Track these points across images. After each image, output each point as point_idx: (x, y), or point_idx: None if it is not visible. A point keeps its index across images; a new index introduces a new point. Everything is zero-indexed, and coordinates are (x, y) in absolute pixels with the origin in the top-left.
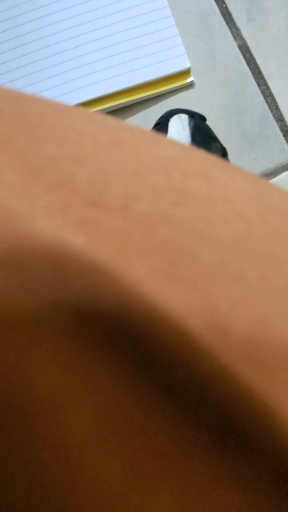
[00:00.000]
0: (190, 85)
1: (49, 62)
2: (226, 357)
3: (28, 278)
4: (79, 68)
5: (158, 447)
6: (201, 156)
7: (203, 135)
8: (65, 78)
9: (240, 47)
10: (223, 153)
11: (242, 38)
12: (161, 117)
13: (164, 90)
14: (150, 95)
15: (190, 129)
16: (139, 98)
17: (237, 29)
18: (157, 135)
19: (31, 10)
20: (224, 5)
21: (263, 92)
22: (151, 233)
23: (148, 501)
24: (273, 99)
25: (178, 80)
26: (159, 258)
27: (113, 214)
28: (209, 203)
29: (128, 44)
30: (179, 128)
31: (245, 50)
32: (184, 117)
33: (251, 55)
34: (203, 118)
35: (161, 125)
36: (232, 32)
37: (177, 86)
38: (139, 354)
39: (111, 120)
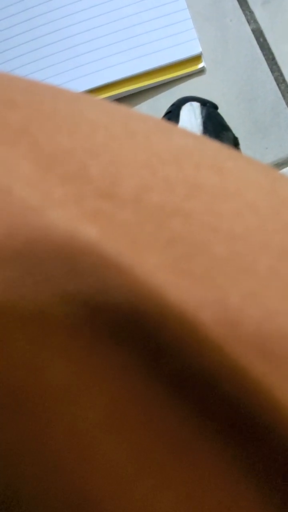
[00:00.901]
0: (201, 71)
1: (58, 47)
2: (236, 350)
3: (42, 272)
4: (88, 54)
5: (166, 436)
6: (214, 147)
7: (215, 124)
8: (73, 64)
9: (253, 31)
10: (234, 142)
11: (256, 21)
12: (173, 105)
13: (174, 76)
14: (160, 81)
15: (202, 117)
16: (148, 85)
17: (251, 12)
18: (170, 125)
19: None
20: None
21: (276, 79)
22: (163, 226)
23: (155, 487)
24: (286, 86)
25: (189, 66)
26: (171, 251)
27: (126, 206)
28: (221, 196)
29: (138, 28)
30: (191, 116)
31: (258, 34)
32: (196, 105)
33: (265, 40)
34: (215, 107)
35: (173, 113)
36: (245, 15)
37: (187, 72)
38: (149, 346)
39: (124, 110)
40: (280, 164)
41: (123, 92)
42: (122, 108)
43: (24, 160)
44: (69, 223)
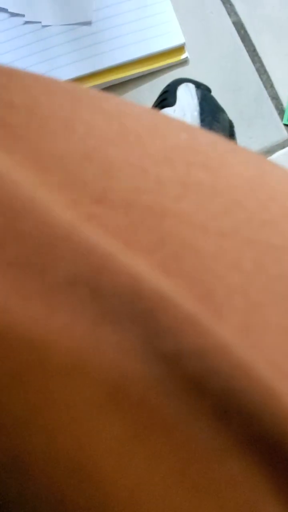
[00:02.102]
0: (184, 62)
1: (34, 37)
2: (224, 337)
3: (49, 258)
4: (68, 43)
5: (161, 416)
6: (206, 142)
7: (211, 105)
8: (55, 53)
9: (234, 23)
10: (230, 124)
11: (236, 14)
12: (168, 85)
13: (158, 67)
14: (143, 71)
15: (198, 98)
16: (132, 75)
17: (231, 5)
18: (165, 120)
19: None
20: None
21: (258, 70)
22: (154, 227)
23: (150, 465)
24: (268, 76)
25: (172, 57)
26: (161, 252)
27: (118, 209)
28: (211, 193)
29: (120, 18)
30: (187, 96)
31: (239, 26)
32: (192, 86)
33: (246, 32)
34: (208, 89)
35: (169, 93)
36: (226, 8)
37: (171, 63)
38: (148, 327)
39: (120, 106)
40: (265, 153)
41: (106, 82)
42: (118, 104)
43: (21, 167)
44: (70, 221)
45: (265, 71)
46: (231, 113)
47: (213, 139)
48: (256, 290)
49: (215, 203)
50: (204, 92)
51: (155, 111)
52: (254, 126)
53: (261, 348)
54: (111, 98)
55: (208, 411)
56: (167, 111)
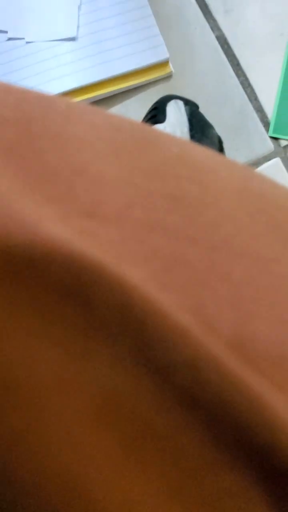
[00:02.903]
0: (170, 76)
1: (18, 53)
2: (215, 349)
3: (40, 270)
4: (53, 58)
5: (153, 430)
6: (196, 155)
7: (200, 122)
8: (41, 68)
9: (217, 38)
10: (219, 140)
11: (219, 29)
12: (157, 102)
13: (143, 81)
14: (129, 86)
15: (187, 115)
16: (118, 89)
17: (214, 20)
18: (155, 134)
19: None
20: None
21: (242, 83)
22: (145, 241)
23: (142, 479)
24: (252, 90)
25: (157, 71)
26: (152, 265)
27: (109, 224)
28: (201, 206)
29: (105, 34)
30: (177, 113)
31: (222, 41)
32: (181, 103)
33: (229, 46)
34: (196, 106)
35: (159, 110)
36: (209, 23)
37: (156, 77)
38: (137, 340)
39: (112, 120)
40: (251, 165)
41: (92, 97)
42: (109, 118)
43: (13, 181)
44: (61, 234)
45: (249, 84)
46: (217, 126)
47: (203, 152)
48: (246, 301)
49: (205, 216)
50: (192, 109)
51: (146, 125)
52: (239, 138)
53: (252, 359)
54: (101, 112)
55: (200, 423)
56: (158, 127)
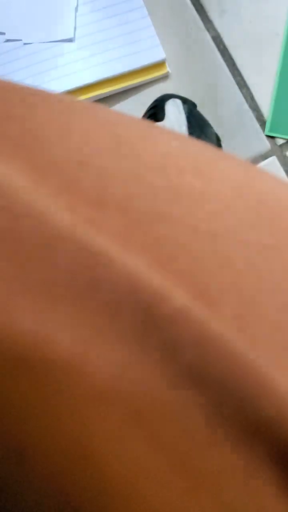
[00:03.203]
0: (166, 77)
1: (16, 54)
2: (220, 328)
3: (49, 256)
4: (51, 59)
5: (161, 405)
6: (196, 149)
7: (198, 120)
8: (38, 70)
9: (213, 38)
10: (217, 138)
11: (215, 29)
12: (156, 101)
13: (140, 82)
14: (126, 86)
15: (185, 113)
16: (115, 90)
17: (210, 21)
18: (155, 129)
19: None
20: None
21: (238, 83)
22: (149, 230)
23: (149, 452)
24: (248, 89)
25: (154, 71)
26: (156, 253)
27: (114, 214)
28: (202, 199)
29: (102, 35)
30: (175, 111)
31: (218, 41)
32: (179, 102)
33: (225, 47)
34: (194, 105)
35: (158, 108)
36: (205, 24)
37: (153, 77)
38: (145, 320)
39: (113, 116)
40: None
41: (89, 98)
42: (111, 114)
43: (21, 174)
44: (71, 224)
45: (245, 84)
46: (214, 125)
47: (203, 147)
48: (248, 287)
49: (206, 207)
50: (190, 107)
51: (146, 120)
52: (236, 137)
53: (256, 340)
54: (102, 108)
55: (207, 399)
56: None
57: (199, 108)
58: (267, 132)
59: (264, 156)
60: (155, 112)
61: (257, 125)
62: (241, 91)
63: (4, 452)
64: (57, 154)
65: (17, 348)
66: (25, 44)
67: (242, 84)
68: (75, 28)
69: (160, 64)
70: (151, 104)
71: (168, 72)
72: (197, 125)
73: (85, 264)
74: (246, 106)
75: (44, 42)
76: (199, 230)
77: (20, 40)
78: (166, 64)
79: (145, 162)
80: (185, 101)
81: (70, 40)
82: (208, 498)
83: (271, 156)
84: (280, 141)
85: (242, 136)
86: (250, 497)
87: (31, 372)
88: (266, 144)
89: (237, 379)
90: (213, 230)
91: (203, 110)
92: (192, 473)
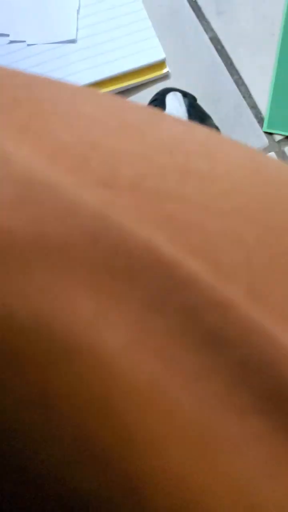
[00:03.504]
0: (166, 76)
1: (20, 55)
2: (235, 296)
3: (65, 227)
4: (54, 60)
5: (181, 369)
6: (202, 133)
7: (198, 112)
8: (38, 71)
9: (211, 39)
10: (216, 130)
11: (212, 30)
12: (157, 94)
13: (141, 81)
14: (127, 85)
15: (186, 106)
16: (116, 89)
17: (207, 22)
18: (161, 114)
19: None
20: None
21: (236, 82)
22: (160, 208)
23: (172, 405)
24: (246, 88)
25: (154, 71)
26: (168, 229)
27: (125, 193)
28: (210, 178)
29: (103, 36)
30: (176, 104)
31: (216, 42)
32: (179, 95)
33: (222, 47)
34: (194, 98)
35: (158, 101)
36: (202, 25)
37: (153, 77)
38: (165, 285)
39: (118, 102)
40: None
41: None
42: (116, 99)
43: (31, 156)
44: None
45: (243, 82)
46: None
47: (208, 131)
48: (260, 265)
49: (215, 187)
50: (191, 100)
51: (150, 107)
52: (235, 134)
53: (271, 311)
54: (107, 94)
55: (227, 366)
56: None
57: None
58: (265, 128)
59: (263, 152)
60: (156, 105)
61: (255, 122)
62: (239, 89)
63: (27, 396)
64: (65, 136)
65: (35, 311)
66: (28, 45)
67: (240, 82)
68: (77, 30)
69: (160, 64)
70: (152, 98)
71: (168, 71)
72: (197, 117)
73: (101, 232)
74: (244, 104)
75: (47, 43)
76: (209, 209)
77: (24, 41)
78: (166, 64)
79: (152, 145)
80: (185, 94)
81: (72, 41)
82: (228, 464)
83: (269, 152)
84: (277, 137)
85: (241, 133)
86: (272, 465)
87: (53, 336)
88: (264, 140)
89: (257, 345)
90: (223, 208)
91: (202, 106)
92: (213, 443)
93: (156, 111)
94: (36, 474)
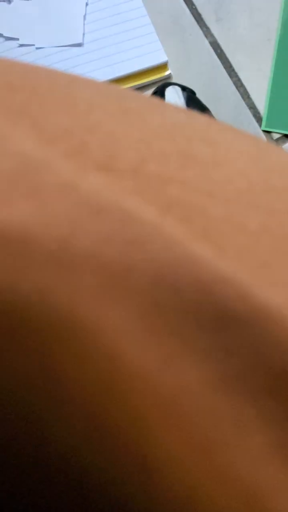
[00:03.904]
0: (168, 78)
1: (29, 58)
2: (241, 277)
3: (62, 209)
4: (61, 62)
5: (193, 348)
6: (203, 121)
7: (196, 104)
8: None
9: (211, 43)
10: None
11: (212, 35)
12: (157, 88)
13: (144, 82)
14: (131, 86)
15: (184, 98)
16: None
17: (207, 28)
18: (161, 103)
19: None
20: (193, 7)
21: (235, 83)
22: (162, 192)
23: (179, 385)
24: (245, 89)
25: (157, 73)
26: (170, 214)
27: (125, 176)
28: (213, 164)
29: (109, 40)
30: (174, 96)
31: (216, 46)
32: (178, 89)
33: (222, 51)
34: (193, 92)
35: (158, 94)
36: (202, 30)
37: (156, 79)
38: (175, 261)
39: (117, 89)
40: None
41: None
42: (115, 87)
43: (26, 138)
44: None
45: (242, 84)
46: None
47: (209, 120)
48: (263, 250)
49: (218, 172)
50: (189, 94)
51: (151, 96)
52: None
53: (277, 293)
54: (106, 83)
55: (243, 345)
56: None
57: None
58: (263, 127)
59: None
60: (156, 97)
61: (254, 121)
62: (238, 90)
63: (30, 373)
64: (63, 121)
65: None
66: (37, 48)
67: (238, 84)
68: (83, 34)
69: (162, 66)
70: (152, 91)
71: (170, 73)
72: (196, 109)
73: (117, 223)
74: (243, 104)
75: (55, 47)
76: (211, 194)
77: (33, 45)
78: (168, 66)
79: (152, 129)
80: (184, 88)
81: (79, 45)
82: (234, 449)
83: None
84: (276, 136)
85: None
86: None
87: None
88: (263, 139)
89: (268, 325)
90: (226, 193)
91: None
92: (227, 415)
93: (155, 100)
94: (43, 456)
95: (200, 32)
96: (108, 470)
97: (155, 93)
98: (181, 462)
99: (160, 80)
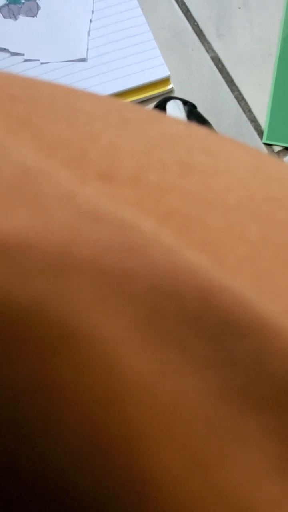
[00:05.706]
0: (170, 92)
1: (34, 72)
2: (241, 288)
3: (51, 216)
4: (66, 77)
5: (194, 357)
6: (203, 132)
7: (197, 118)
8: None
9: (212, 58)
10: None
11: (213, 51)
12: (158, 102)
13: (146, 96)
14: (134, 100)
15: (186, 112)
16: None
17: (209, 43)
18: (160, 114)
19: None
20: (195, 23)
21: (236, 97)
22: (161, 201)
23: (178, 395)
24: (246, 103)
25: (159, 87)
26: (170, 224)
27: (125, 185)
28: (212, 173)
29: (112, 55)
30: (176, 110)
31: (217, 61)
32: (179, 103)
33: (223, 66)
34: (194, 106)
35: (159, 108)
36: (204, 46)
37: (158, 93)
38: (174, 267)
39: (117, 102)
40: None
41: None
42: (115, 100)
43: (28, 146)
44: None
45: (243, 98)
46: None
47: (209, 131)
48: (264, 259)
49: (218, 182)
50: (190, 108)
51: (150, 108)
52: None
53: (276, 303)
54: (106, 96)
55: (243, 355)
56: None
57: None
58: (264, 140)
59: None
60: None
61: (255, 134)
62: (239, 104)
63: (26, 382)
64: (63, 131)
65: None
66: (42, 63)
67: (240, 98)
68: (87, 50)
69: (164, 81)
70: (154, 105)
71: (172, 87)
72: (197, 123)
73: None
74: (244, 117)
75: (59, 62)
76: (211, 203)
77: (38, 60)
78: (170, 81)
79: (152, 139)
80: (185, 102)
81: (83, 60)
82: (235, 460)
83: None
84: (277, 148)
85: None
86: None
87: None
88: (264, 152)
89: (269, 335)
90: (226, 203)
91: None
92: (225, 429)
93: (155, 111)
94: (36, 467)
95: (202, 47)
96: (101, 486)
97: (156, 106)
98: (177, 477)
99: (163, 94)
